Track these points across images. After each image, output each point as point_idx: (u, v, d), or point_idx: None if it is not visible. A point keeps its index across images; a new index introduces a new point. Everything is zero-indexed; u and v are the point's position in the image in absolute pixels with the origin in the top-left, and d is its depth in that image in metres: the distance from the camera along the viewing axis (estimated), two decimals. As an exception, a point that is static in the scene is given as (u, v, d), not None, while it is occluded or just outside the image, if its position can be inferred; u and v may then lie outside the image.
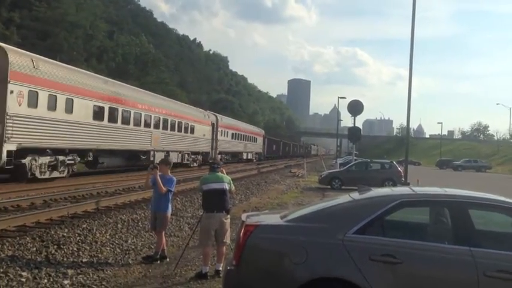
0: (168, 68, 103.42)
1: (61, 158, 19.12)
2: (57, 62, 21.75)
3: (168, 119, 30.05)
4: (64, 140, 19.22)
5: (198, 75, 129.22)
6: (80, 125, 20.12)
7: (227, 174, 7.76)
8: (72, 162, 20.21)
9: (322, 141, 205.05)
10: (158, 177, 7.87)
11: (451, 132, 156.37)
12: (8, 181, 16.70)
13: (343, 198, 5.16)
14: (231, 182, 7.61)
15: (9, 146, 15.94)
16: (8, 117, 15.82)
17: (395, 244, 4.28)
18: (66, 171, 19.71)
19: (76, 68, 23.56)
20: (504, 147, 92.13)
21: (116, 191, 16.53)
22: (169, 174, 8.14)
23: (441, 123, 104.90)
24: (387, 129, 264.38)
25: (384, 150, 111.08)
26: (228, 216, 7.40)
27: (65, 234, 8.88)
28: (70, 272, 6.89)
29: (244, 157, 51.89)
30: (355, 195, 5.09)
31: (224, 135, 43.58)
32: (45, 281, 6.43)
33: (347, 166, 27.98)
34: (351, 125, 30.76)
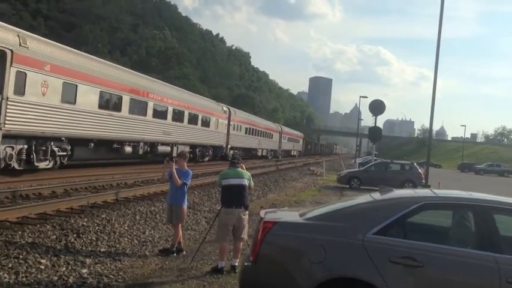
0: (190, 63, 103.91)
1: (236, 151, 37.95)
2: (240, 111, 46.26)
3: (264, 131, 52.04)
4: (241, 143, 41.75)
5: (219, 71, 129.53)
6: (244, 137, 42.98)
7: (247, 170, 7.73)
8: (238, 153, 36.28)
9: (342, 140, 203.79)
10: (174, 170, 7.89)
11: (474, 135, 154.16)
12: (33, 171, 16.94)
13: (363, 198, 5.08)
14: (251, 178, 7.57)
15: (229, 146, 37.42)
16: (229, 134, 37.43)
17: (417, 247, 4.18)
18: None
19: (245, 112, 49.16)
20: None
21: (135, 182, 16.67)
22: (186, 167, 8.14)
23: (464, 125, 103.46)
24: (408, 130, 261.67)
25: (404, 152, 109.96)
26: (247, 212, 7.37)
27: (84, 223, 8.98)
28: (88, 261, 6.95)
29: (292, 153, 72.51)
30: (377, 196, 5.00)
31: (284, 139, 65.01)
32: (64, 268, 6.49)
33: (366, 166, 27.73)
34: (371, 124, 30.50)
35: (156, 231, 9.48)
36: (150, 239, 8.88)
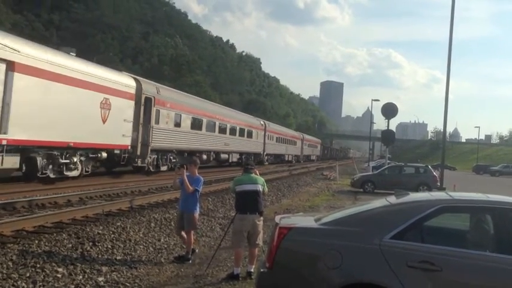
0: (201, 70, 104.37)
1: (269, 156, 48.72)
2: (272, 123, 56.68)
3: (290, 139, 59.67)
4: (273, 150, 49.99)
5: (230, 77, 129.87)
6: (275, 145, 50.59)
7: (260, 176, 7.72)
8: (273, 158, 50.97)
9: (355, 143, 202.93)
10: (185, 177, 7.89)
11: (488, 137, 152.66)
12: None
13: (379, 202, 5.03)
14: (265, 183, 7.56)
15: (265, 153, 45.93)
16: (265, 143, 45.62)
17: (435, 251, 4.13)
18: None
19: (276, 124, 59.68)
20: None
21: (149, 190, 16.71)
22: (197, 174, 8.14)
23: (478, 127, 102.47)
24: (421, 133, 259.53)
25: (418, 154, 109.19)
26: (261, 218, 7.35)
27: (99, 231, 9.01)
28: (104, 269, 6.98)
29: (311, 158, 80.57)
30: (392, 200, 4.96)
31: (305, 146, 73.32)
32: (80, 277, 6.52)
33: (380, 170, 27.55)
34: (384, 128, 30.35)
35: (171, 238, 9.49)
36: (165, 246, 8.90)
